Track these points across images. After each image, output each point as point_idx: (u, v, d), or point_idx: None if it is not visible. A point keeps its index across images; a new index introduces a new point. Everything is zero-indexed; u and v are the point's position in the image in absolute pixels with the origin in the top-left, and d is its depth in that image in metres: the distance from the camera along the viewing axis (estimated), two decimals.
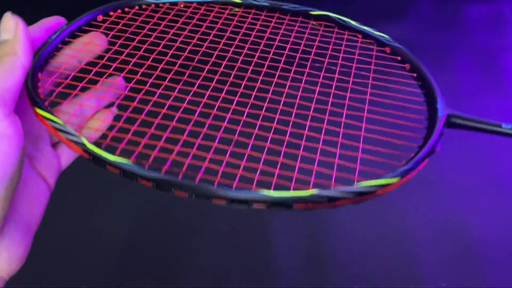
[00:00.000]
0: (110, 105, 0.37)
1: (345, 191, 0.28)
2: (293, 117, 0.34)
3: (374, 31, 0.43)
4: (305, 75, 0.38)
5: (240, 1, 0.45)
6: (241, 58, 0.40)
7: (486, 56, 0.71)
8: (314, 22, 0.45)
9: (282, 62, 0.40)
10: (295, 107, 0.35)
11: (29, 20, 0.75)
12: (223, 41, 0.42)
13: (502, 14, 0.76)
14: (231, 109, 0.34)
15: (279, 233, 0.55)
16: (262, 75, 0.38)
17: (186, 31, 0.42)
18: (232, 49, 0.41)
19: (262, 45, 0.41)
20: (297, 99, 0.35)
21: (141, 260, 0.54)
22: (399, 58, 0.41)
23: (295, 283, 0.52)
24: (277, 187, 0.28)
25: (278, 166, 0.30)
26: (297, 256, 0.54)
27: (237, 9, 0.45)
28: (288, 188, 0.28)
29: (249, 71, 0.38)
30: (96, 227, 0.56)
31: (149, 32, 0.43)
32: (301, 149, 0.31)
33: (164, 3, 0.44)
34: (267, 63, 0.40)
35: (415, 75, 0.40)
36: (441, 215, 0.57)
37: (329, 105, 0.35)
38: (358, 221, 0.57)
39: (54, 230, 0.56)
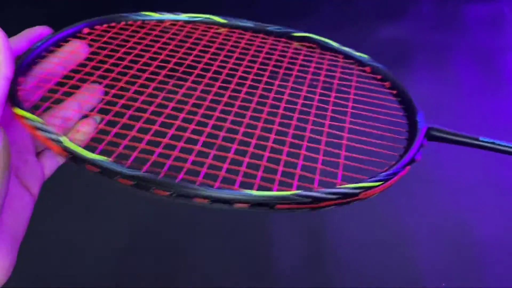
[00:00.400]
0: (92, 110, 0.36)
1: (329, 192, 0.27)
2: (276, 124, 0.34)
3: (354, 51, 0.44)
4: (288, 89, 0.39)
5: (225, 22, 0.46)
6: (225, 71, 0.41)
7: (485, 56, 0.71)
8: (297, 43, 0.46)
9: (266, 76, 0.41)
10: (278, 116, 0.35)
11: (28, 20, 0.75)
12: (207, 56, 0.42)
13: (501, 14, 0.76)
14: (215, 116, 0.34)
15: (279, 233, 0.55)
16: (246, 87, 0.39)
17: (171, 45, 0.43)
18: (217, 63, 0.41)
19: (246, 60, 0.42)
20: (281, 109, 0.36)
21: (140, 260, 0.54)
22: (379, 77, 0.42)
23: (295, 283, 0.52)
24: (260, 189, 0.28)
25: (262, 169, 0.30)
26: (297, 256, 0.54)
27: (222, 29, 0.46)
28: (271, 189, 0.28)
29: (233, 83, 0.38)
30: (96, 226, 0.56)
31: (134, 45, 0.43)
32: (284, 154, 0.31)
33: (150, 20, 0.45)
34: (251, 76, 0.40)
35: (395, 92, 0.40)
36: (441, 215, 0.57)
37: (312, 115, 0.36)
38: (357, 221, 0.57)
39: (53, 231, 0.55)
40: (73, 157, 0.28)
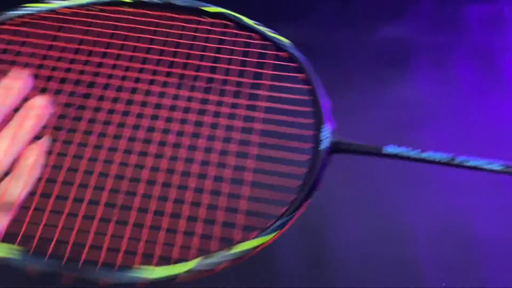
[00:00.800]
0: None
1: (226, 256, 0.30)
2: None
3: (271, 32, 0.41)
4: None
5: (130, 1, 0.41)
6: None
7: (485, 56, 0.71)
8: (210, 20, 0.42)
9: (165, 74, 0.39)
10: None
11: None
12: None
13: (502, 14, 0.75)
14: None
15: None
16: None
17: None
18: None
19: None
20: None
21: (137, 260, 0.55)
22: (294, 65, 0.40)
23: (294, 283, 0.54)
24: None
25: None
26: (297, 256, 0.55)
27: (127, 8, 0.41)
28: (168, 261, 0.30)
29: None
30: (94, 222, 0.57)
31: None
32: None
33: (39, 11, 0.40)
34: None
35: (308, 87, 0.38)
36: (441, 215, 0.58)
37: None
38: (357, 221, 0.57)
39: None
40: None
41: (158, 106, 0.37)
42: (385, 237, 0.56)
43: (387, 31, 0.73)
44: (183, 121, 0.37)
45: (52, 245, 0.30)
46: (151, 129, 0.36)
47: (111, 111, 0.37)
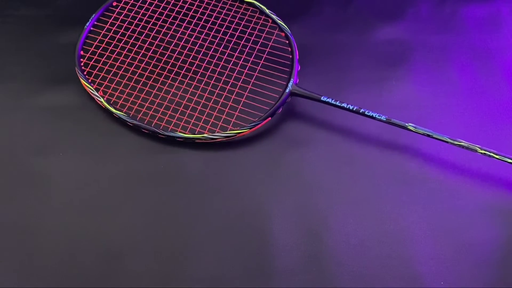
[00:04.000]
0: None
1: (220, 135, 0.60)
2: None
3: (280, 20, 0.67)
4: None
5: None
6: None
7: (484, 57, 0.69)
8: (245, 6, 0.69)
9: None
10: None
11: (27, 20, 0.74)
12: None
13: (500, 15, 0.74)
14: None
15: (279, 233, 0.57)
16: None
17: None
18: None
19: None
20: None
21: (138, 260, 0.56)
22: (287, 41, 0.66)
23: (295, 283, 0.53)
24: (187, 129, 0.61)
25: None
26: (297, 256, 0.55)
27: None
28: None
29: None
30: (94, 224, 0.58)
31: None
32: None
33: None
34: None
35: (290, 56, 0.65)
36: (441, 215, 0.58)
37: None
38: (356, 220, 0.58)
39: (50, 230, 0.58)
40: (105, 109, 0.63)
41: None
42: (383, 236, 0.56)
43: (386, 31, 0.74)
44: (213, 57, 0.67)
45: (140, 114, 0.63)
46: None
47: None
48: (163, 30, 0.69)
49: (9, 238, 0.57)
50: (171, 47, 0.68)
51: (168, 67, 0.67)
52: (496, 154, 0.56)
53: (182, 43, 0.68)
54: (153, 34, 0.69)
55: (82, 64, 0.66)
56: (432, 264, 0.55)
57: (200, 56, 0.67)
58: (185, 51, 0.67)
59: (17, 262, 0.55)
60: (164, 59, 0.67)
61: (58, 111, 0.66)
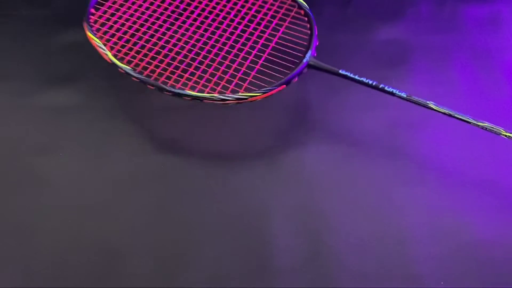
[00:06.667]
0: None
1: (232, 96, 0.57)
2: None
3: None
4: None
5: None
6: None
7: (484, 57, 0.70)
8: None
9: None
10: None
11: (26, 20, 0.76)
12: None
13: (500, 15, 0.75)
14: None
15: (279, 233, 0.56)
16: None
17: None
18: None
19: None
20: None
21: (137, 259, 0.55)
22: (306, 18, 0.65)
23: (294, 283, 0.53)
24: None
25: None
26: (297, 256, 0.55)
27: None
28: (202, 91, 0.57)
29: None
30: (94, 224, 0.58)
31: None
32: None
33: None
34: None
35: (309, 32, 0.64)
36: (441, 215, 0.57)
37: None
38: (357, 220, 0.57)
39: (48, 230, 0.58)
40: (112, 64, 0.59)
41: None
42: (384, 236, 0.56)
43: (386, 31, 0.74)
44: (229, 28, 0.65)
45: (147, 71, 0.59)
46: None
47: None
48: None
49: (9, 238, 0.57)
50: (189, 8, 0.66)
51: (181, 31, 0.64)
52: None
53: (201, 4, 0.67)
54: None
55: (92, 20, 0.63)
56: (432, 264, 0.54)
57: (218, 18, 0.65)
58: (204, 13, 0.66)
59: (17, 262, 0.55)
60: (183, 18, 0.65)
61: (58, 111, 0.66)
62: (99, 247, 0.56)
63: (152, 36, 0.63)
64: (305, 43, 0.62)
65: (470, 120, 0.55)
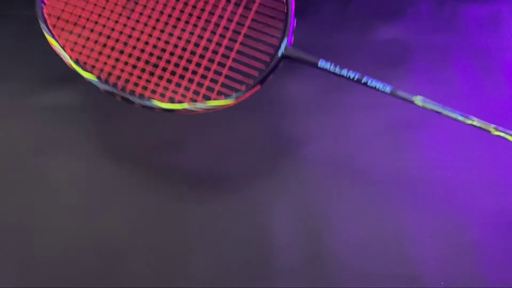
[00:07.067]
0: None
1: (201, 106, 0.53)
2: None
3: None
4: None
5: None
6: None
7: (484, 57, 0.71)
8: None
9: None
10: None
11: (26, 20, 0.70)
12: None
13: (500, 15, 0.75)
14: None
15: (279, 233, 0.56)
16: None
17: None
18: None
19: None
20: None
21: (137, 260, 0.55)
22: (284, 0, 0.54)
23: (294, 283, 0.53)
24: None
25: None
26: (297, 256, 0.55)
27: None
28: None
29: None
30: (95, 224, 0.58)
31: None
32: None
33: None
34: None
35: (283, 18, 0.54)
36: (441, 215, 0.57)
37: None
38: (357, 220, 0.57)
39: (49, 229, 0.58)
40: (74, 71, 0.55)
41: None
42: (384, 236, 0.56)
43: (386, 31, 0.73)
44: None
45: (113, 79, 0.55)
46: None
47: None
48: None
49: (9, 238, 0.57)
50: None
51: (140, 27, 0.58)
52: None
53: None
54: None
55: (44, 13, 0.57)
56: (432, 264, 0.54)
57: (179, 8, 0.57)
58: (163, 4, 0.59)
59: (17, 262, 0.55)
60: (141, 14, 0.58)
61: (58, 111, 0.66)
62: (99, 247, 0.56)
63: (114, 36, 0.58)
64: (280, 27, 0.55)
65: (459, 117, 0.53)
